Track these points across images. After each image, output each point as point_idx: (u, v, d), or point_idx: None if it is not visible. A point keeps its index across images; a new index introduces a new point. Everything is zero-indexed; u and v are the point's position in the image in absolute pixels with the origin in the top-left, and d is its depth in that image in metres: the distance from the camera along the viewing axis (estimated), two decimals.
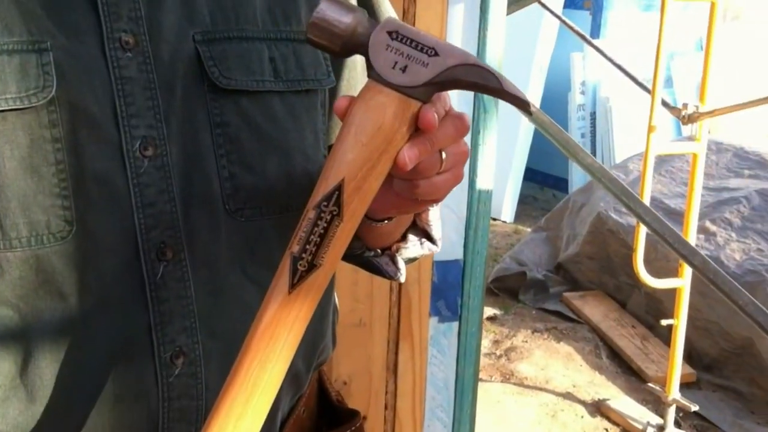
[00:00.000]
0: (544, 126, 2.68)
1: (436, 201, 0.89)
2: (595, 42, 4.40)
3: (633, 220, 4.77)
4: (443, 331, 2.06)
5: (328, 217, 0.78)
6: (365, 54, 0.79)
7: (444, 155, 0.82)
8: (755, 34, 7.25)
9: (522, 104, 0.80)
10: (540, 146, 6.20)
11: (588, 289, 5.12)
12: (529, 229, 6.16)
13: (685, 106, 3.50)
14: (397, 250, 1.05)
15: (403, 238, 1.04)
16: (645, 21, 6.98)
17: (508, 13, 1.98)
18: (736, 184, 4.74)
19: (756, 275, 4.02)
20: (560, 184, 7.47)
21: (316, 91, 1.01)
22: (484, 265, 2.01)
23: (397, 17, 0.88)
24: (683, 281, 3.58)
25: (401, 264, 1.07)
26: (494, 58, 1.92)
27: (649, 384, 3.92)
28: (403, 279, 1.07)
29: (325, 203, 0.78)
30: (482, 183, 1.97)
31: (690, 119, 3.51)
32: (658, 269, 3.66)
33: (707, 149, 3.73)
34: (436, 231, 1.04)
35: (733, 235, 4.34)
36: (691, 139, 3.62)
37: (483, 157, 1.96)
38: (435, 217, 1.02)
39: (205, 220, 0.91)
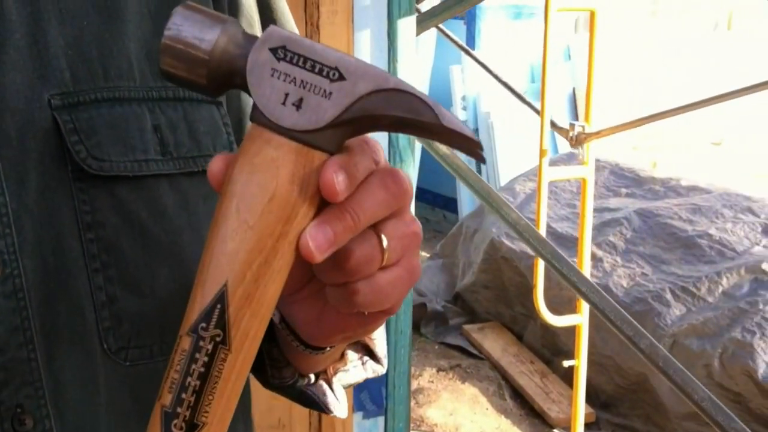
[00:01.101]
0: (438, 151, 2.59)
1: (389, 312, 0.65)
2: (472, 53, 4.28)
3: (526, 247, 4.76)
4: (368, 429, 1.93)
5: (210, 347, 0.57)
6: (243, 85, 0.59)
7: (384, 240, 0.60)
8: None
9: (470, 146, 0.58)
10: (427, 164, 6.06)
11: (485, 320, 5.07)
12: (425, 254, 6.07)
13: (572, 126, 3.42)
14: (335, 374, 0.85)
15: (341, 357, 0.84)
16: (516, 30, 6.97)
17: None
18: (615, 203, 4.73)
19: (644, 303, 3.99)
20: (450, 204, 7.39)
21: None
22: (409, 347, 1.88)
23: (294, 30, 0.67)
24: (582, 318, 3.49)
25: (341, 393, 0.87)
26: None
27: (555, 430, 3.85)
28: (344, 413, 0.88)
29: (203, 325, 0.57)
30: None
31: (578, 141, 3.43)
32: (551, 298, 3.59)
33: (576, 165, 3.67)
34: (380, 346, 0.85)
35: (618, 260, 4.32)
36: (577, 160, 3.54)
37: None
38: (379, 329, 0.81)
39: (77, 370, 0.70)
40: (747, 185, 5.46)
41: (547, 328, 4.33)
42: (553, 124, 3.48)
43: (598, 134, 3.41)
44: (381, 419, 1.93)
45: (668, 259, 4.10)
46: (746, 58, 6.65)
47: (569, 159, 4.94)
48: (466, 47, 4.21)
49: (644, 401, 3.95)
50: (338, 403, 0.85)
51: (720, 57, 6.70)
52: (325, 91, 0.57)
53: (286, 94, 0.57)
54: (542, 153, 3.37)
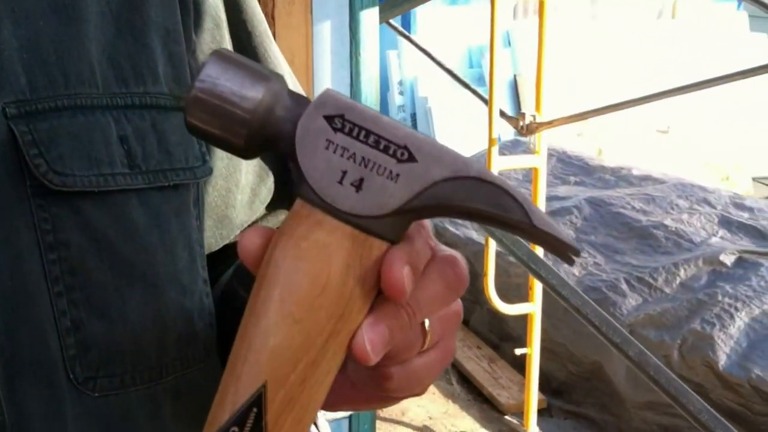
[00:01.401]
0: None
1: (417, 394, 0.62)
2: (412, 38, 4.23)
3: (471, 233, 4.72)
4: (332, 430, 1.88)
5: None
6: (290, 154, 0.51)
7: (427, 323, 0.55)
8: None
9: (564, 250, 0.51)
10: None
11: None
12: None
13: (522, 116, 3.38)
14: None
15: None
16: (452, 15, 6.93)
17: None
18: (564, 192, 4.71)
19: (597, 293, 3.96)
20: None
21: (188, 186, 0.73)
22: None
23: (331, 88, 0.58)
24: (534, 306, 3.47)
25: (323, 426, 0.86)
26: (370, 84, 1.77)
27: (507, 416, 3.85)
28: None
29: (235, 429, 0.50)
30: None
31: (528, 130, 3.40)
32: (498, 285, 3.56)
33: (527, 154, 3.65)
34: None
35: None
36: (521, 147, 3.51)
37: None
38: None
39: (42, 402, 0.65)
40: (694, 173, 5.52)
41: (494, 313, 4.30)
42: (502, 114, 3.45)
43: (550, 124, 3.38)
44: (345, 421, 1.89)
45: (622, 248, 4.08)
46: (690, 46, 6.72)
47: (513, 147, 4.91)
48: (404, 32, 4.15)
49: (598, 389, 3.92)
50: None
51: (665, 45, 6.75)
52: (391, 172, 0.50)
53: (344, 172, 0.50)
54: (491, 142, 3.34)
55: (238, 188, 0.81)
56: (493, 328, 4.50)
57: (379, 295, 0.52)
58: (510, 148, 4.87)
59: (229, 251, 0.84)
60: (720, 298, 3.53)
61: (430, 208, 0.51)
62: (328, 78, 1.88)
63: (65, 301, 0.65)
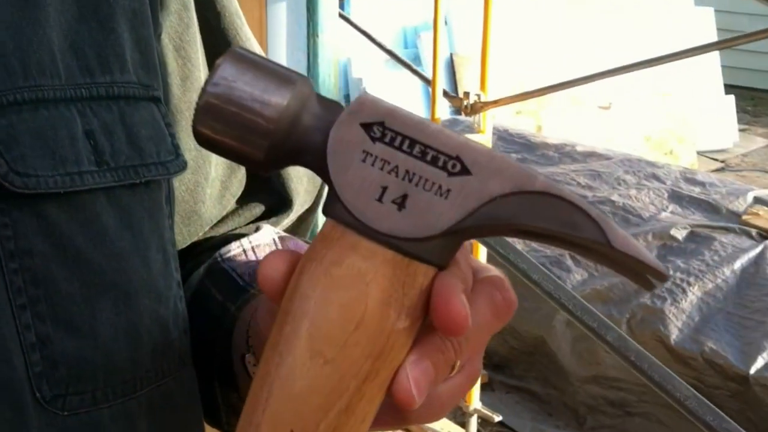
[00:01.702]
0: None
1: (435, 420, 0.56)
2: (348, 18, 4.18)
3: None
4: None
5: None
6: (319, 169, 0.46)
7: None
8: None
9: (649, 274, 0.45)
10: None
11: None
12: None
13: (466, 95, 3.33)
14: None
15: None
16: None
17: None
18: None
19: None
20: None
21: (160, 182, 0.68)
22: None
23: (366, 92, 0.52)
24: None
25: None
26: (329, 68, 1.70)
27: None
28: None
29: None
30: None
31: (473, 110, 3.34)
32: None
33: (470, 134, 3.60)
34: None
35: None
36: (461, 126, 3.47)
37: None
38: None
39: (7, 424, 0.60)
40: (637, 149, 5.53)
41: None
42: (445, 93, 3.41)
43: (495, 103, 3.30)
44: None
45: None
46: (634, 20, 6.72)
47: (451, 126, 4.86)
48: (342, 12, 4.08)
49: (541, 364, 3.89)
50: None
51: (607, 19, 6.74)
52: (440, 187, 0.44)
53: (384, 188, 0.44)
54: (435, 122, 3.26)
55: (208, 181, 0.78)
56: None
57: (421, 328, 0.46)
58: (449, 127, 4.81)
59: (198, 248, 0.81)
60: (671, 272, 3.50)
61: (486, 228, 0.45)
62: (283, 62, 1.80)
63: (29, 314, 0.60)
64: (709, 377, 3.23)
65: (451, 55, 6.73)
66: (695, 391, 1.75)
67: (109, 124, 0.64)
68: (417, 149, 0.44)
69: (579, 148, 4.47)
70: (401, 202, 0.44)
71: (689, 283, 3.43)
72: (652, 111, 6.27)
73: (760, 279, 3.34)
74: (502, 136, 4.89)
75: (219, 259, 0.77)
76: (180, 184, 0.74)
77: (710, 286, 3.39)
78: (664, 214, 3.79)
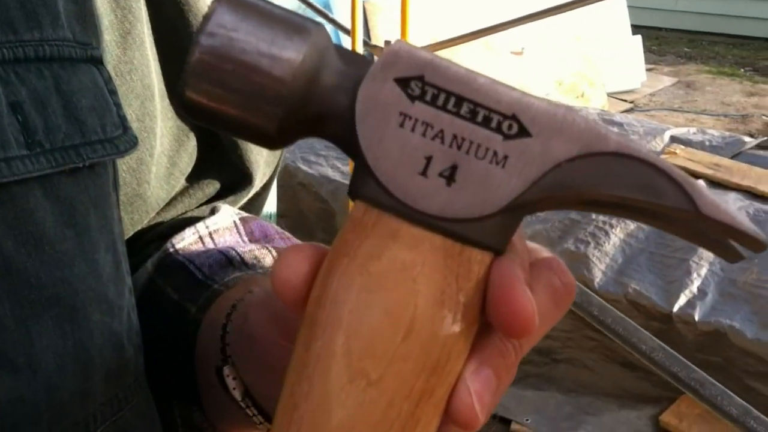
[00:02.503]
0: None
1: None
2: None
3: (326, 171, 4.60)
4: None
5: None
6: (346, 138, 0.38)
7: None
8: None
9: (744, 243, 0.37)
10: None
11: None
12: None
13: (386, 44, 3.27)
14: None
15: None
16: None
17: None
18: None
19: None
20: None
21: (106, 164, 0.55)
22: None
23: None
24: None
25: None
26: None
27: None
28: None
29: None
30: None
31: None
32: None
33: None
34: None
35: None
36: None
37: None
38: None
39: None
40: (550, 93, 5.54)
41: None
42: (366, 43, 3.34)
43: None
44: None
45: None
46: None
47: None
48: None
49: None
50: None
51: None
52: (496, 154, 0.37)
53: (428, 158, 0.37)
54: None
55: (153, 158, 0.66)
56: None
57: (480, 331, 0.39)
58: None
59: (142, 239, 0.70)
60: (593, 216, 3.54)
61: (551, 200, 0.37)
62: None
63: None
64: (633, 317, 3.25)
65: (363, 3, 6.65)
66: (661, 342, 1.71)
67: (40, 94, 0.51)
68: (465, 108, 0.37)
69: None
70: (450, 175, 0.37)
71: (611, 225, 3.46)
72: (563, 55, 6.31)
73: None
74: None
75: (171, 249, 0.67)
76: (120, 162, 0.62)
77: (632, 227, 3.43)
78: None
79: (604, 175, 0.37)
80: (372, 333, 0.36)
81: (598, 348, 3.55)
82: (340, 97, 0.38)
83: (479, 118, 0.37)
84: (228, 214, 0.70)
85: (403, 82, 0.37)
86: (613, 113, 4.34)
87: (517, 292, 0.37)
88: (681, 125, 5.32)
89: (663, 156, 3.71)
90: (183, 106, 0.38)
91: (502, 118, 0.37)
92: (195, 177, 0.72)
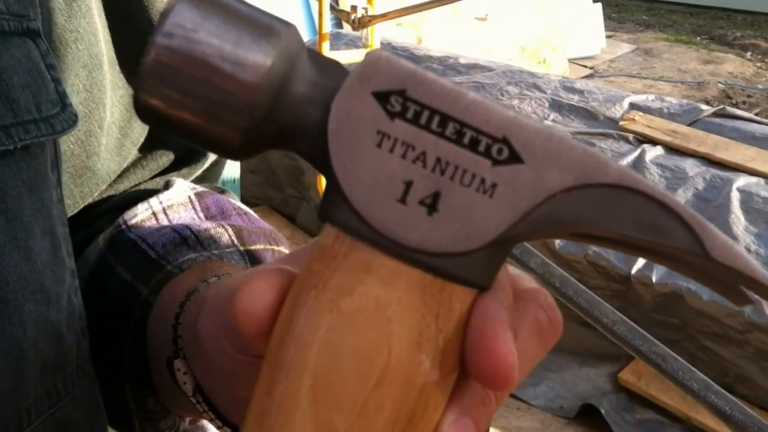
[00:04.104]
0: None
1: None
2: None
3: None
4: None
5: None
6: (316, 156, 0.34)
7: None
8: None
9: (756, 290, 0.34)
10: None
11: (254, 204, 4.91)
12: None
13: (354, 9, 3.24)
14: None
15: None
16: None
17: None
18: None
19: None
20: None
21: (44, 144, 0.51)
22: None
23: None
24: None
25: None
26: None
27: None
28: None
29: None
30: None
31: (360, 24, 3.31)
32: None
33: (357, 48, 3.59)
34: None
35: None
36: (343, 41, 3.44)
37: None
38: None
39: None
40: (513, 59, 5.59)
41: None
42: (332, 8, 3.36)
43: (384, 17, 3.27)
44: None
45: None
46: None
47: (336, 40, 4.79)
48: None
49: None
50: None
51: None
52: (483, 181, 0.33)
53: (408, 184, 0.33)
54: (322, 37, 3.23)
55: (102, 129, 0.62)
56: (322, 223, 4.47)
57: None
58: (331, 41, 4.74)
59: (93, 212, 0.66)
60: None
61: (543, 233, 0.33)
62: None
63: None
64: (592, 279, 3.29)
65: None
66: (623, 316, 1.68)
67: None
68: (451, 128, 0.33)
69: (462, 60, 4.46)
70: (432, 204, 0.33)
71: None
72: (526, 21, 6.34)
73: None
74: (386, 50, 4.83)
75: (124, 226, 0.63)
76: (68, 135, 0.57)
77: None
78: (546, 123, 3.87)
79: (603, 210, 0.33)
80: (341, 380, 0.32)
81: (560, 307, 3.60)
82: (312, 109, 0.34)
83: (466, 140, 0.33)
84: (183, 189, 0.67)
85: (382, 97, 0.33)
86: (573, 80, 4.38)
87: (499, 341, 0.32)
88: (639, 91, 5.39)
89: (622, 122, 3.76)
90: (137, 110, 0.34)
91: (491, 140, 0.33)
92: (148, 148, 0.68)
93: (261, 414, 0.33)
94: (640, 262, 3.21)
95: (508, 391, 0.34)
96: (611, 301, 3.21)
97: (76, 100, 0.57)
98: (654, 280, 3.13)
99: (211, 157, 0.71)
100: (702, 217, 0.33)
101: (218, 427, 0.53)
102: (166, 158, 0.69)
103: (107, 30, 0.62)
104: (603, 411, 3.04)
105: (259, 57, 0.33)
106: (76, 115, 0.52)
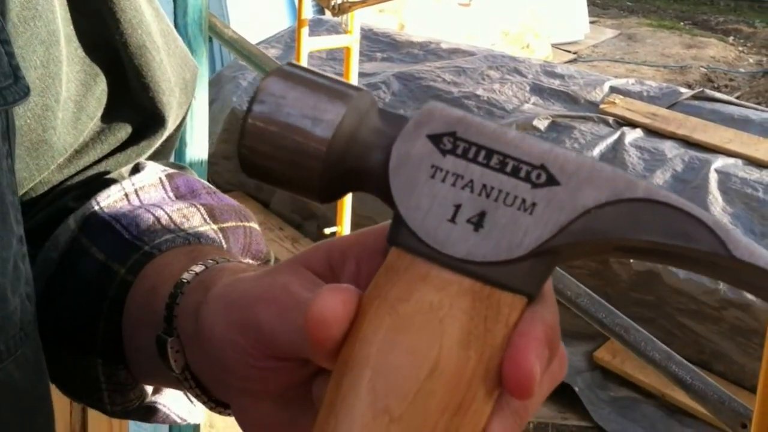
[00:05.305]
0: None
1: None
2: None
3: None
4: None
5: None
6: (381, 191, 0.40)
7: None
8: None
9: None
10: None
11: (228, 190, 4.91)
12: None
13: None
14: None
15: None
16: None
17: None
18: (371, 68, 4.65)
19: None
20: None
21: None
22: None
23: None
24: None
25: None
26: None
27: None
28: (200, 417, 0.71)
29: None
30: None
31: (341, 10, 3.31)
32: None
33: (337, 34, 3.59)
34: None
35: None
36: (330, 28, 3.43)
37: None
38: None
39: None
40: (496, 44, 5.61)
41: None
42: None
43: (364, 3, 3.28)
44: None
45: None
46: None
47: (317, 26, 4.81)
48: None
49: None
50: (193, 407, 0.65)
51: None
52: (524, 201, 0.38)
53: (457, 206, 0.38)
54: (302, 23, 3.24)
55: (59, 103, 0.63)
56: (295, 208, 4.44)
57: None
58: (312, 27, 4.75)
59: (54, 191, 0.68)
60: None
61: (582, 246, 0.38)
62: None
63: None
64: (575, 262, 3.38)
65: None
66: (587, 288, 1.74)
67: None
68: (495, 160, 0.38)
69: (443, 45, 4.49)
70: (478, 222, 0.38)
71: None
72: (510, 7, 6.37)
73: (618, 164, 3.46)
74: (367, 36, 4.83)
75: (96, 207, 0.65)
76: (24, 110, 0.59)
77: None
78: (527, 106, 3.88)
79: (634, 221, 0.37)
80: (396, 371, 0.37)
81: None
82: (377, 153, 0.40)
83: (508, 169, 0.38)
84: (153, 171, 0.69)
85: (435, 138, 0.39)
86: (555, 64, 4.42)
87: (528, 358, 0.37)
88: (622, 76, 5.42)
89: (602, 106, 3.79)
90: (241, 163, 0.41)
91: (530, 168, 0.38)
92: (106, 121, 0.70)
93: (330, 404, 0.38)
94: None
95: (529, 402, 0.40)
96: (588, 280, 3.24)
97: (33, 75, 0.59)
98: (631, 258, 3.17)
99: (169, 129, 0.73)
100: (724, 223, 0.37)
101: (203, 402, 0.55)
102: (123, 132, 0.70)
103: (64, 8, 0.64)
104: (576, 389, 3.07)
105: (331, 115, 0.39)
106: (28, 88, 0.54)
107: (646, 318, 3.07)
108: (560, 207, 0.37)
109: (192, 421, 0.68)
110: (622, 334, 1.60)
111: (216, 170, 4.89)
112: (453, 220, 0.38)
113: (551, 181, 0.38)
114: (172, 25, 0.73)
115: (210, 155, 4.83)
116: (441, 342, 0.37)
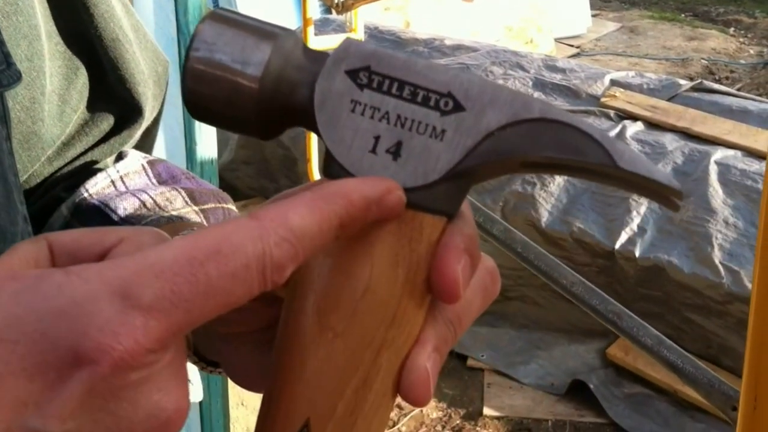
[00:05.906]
0: None
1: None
2: None
3: None
4: None
5: None
6: (309, 124, 0.42)
7: None
8: None
9: (663, 193, 0.42)
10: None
11: (249, 196, 4.92)
12: None
13: None
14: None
15: None
16: None
17: None
18: None
19: None
20: None
21: None
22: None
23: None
24: None
25: (194, 373, 0.70)
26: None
27: None
28: (199, 395, 0.75)
29: None
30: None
31: (344, 8, 3.34)
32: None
33: (342, 33, 3.60)
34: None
35: None
36: (336, 27, 3.43)
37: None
38: None
39: None
40: (500, 40, 5.62)
41: None
42: None
43: (366, 0, 3.35)
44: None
45: None
46: None
47: (323, 25, 4.83)
48: None
49: None
50: (192, 385, 0.66)
51: None
52: (434, 129, 0.41)
53: (377, 138, 0.41)
54: (307, 22, 3.26)
55: (45, 96, 0.66)
56: None
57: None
58: (319, 27, 4.79)
59: (46, 183, 0.71)
60: None
61: (490, 166, 0.41)
62: None
63: None
64: (578, 255, 3.36)
65: None
66: (581, 277, 1.77)
67: None
68: (407, 91, 0.41)
69: (447, 42, 4.49)
70: (396, 151, 0.41)
71: None
72: (512, 2, 6.38)
73: None
74: (373, 34, 4.82)
75: (86, 194, 0.68)
76: (14, 103, 0.62)
77: None
78: None
79: (532, 140, 0.41)
80: (335, 292, 0.41)
81: (548, 285, 3.59)
82: (303, 90, 0.42)
83: (419, 98, 0.41)
84: (135, 158, 0.73)
85: (352, 73, 0.41)
86: (556, 59, 4.41)
87: (451, 265, 0.40)
88: (624, 69, 5.43)
89: (603, 99, 3.79)
90: (186, 105, 0.44)
91: (439, 96, 0.41)
92: (89, 113, 0.73)
93: (282, 330, 0.43)
94: (623, 237, 3.27)
95: (460, 321, 0.44)
96: (598, 278, 3.23)
97: (19, 68, 0.61)
98: (637, 254, 3.18)
99: (147, 120, 0.77)
100: (611, 137, 0.41)
101: (195, 362, 0.59)
102: (106, 123, 0.74)
103: (43, 4, 0.67)
104: (591, 386, 3.08)
105: (259, 56, 0.42)
106: (20, 72, 0.58)
107: (654, 314, 3.08)
108: (467, 131, 0.41)
109: (192, 399, 0.71)
110: (615, 320, 1.64)
111: (237, 175, 4.92)
112: (374, 151, 0.41)
113: (458, 107, 0.41)
114: (141, 21, 0.77)
115: (230, 161, 4.88)
116: (372, 262, 0.41)
